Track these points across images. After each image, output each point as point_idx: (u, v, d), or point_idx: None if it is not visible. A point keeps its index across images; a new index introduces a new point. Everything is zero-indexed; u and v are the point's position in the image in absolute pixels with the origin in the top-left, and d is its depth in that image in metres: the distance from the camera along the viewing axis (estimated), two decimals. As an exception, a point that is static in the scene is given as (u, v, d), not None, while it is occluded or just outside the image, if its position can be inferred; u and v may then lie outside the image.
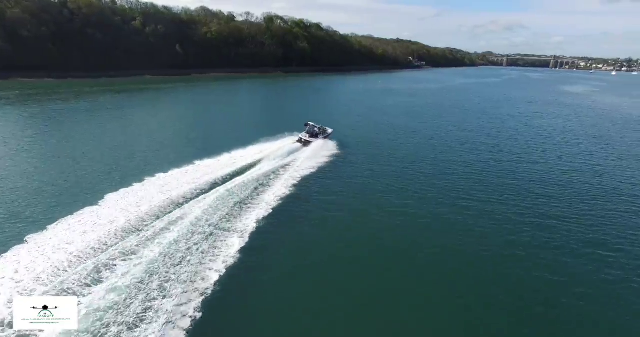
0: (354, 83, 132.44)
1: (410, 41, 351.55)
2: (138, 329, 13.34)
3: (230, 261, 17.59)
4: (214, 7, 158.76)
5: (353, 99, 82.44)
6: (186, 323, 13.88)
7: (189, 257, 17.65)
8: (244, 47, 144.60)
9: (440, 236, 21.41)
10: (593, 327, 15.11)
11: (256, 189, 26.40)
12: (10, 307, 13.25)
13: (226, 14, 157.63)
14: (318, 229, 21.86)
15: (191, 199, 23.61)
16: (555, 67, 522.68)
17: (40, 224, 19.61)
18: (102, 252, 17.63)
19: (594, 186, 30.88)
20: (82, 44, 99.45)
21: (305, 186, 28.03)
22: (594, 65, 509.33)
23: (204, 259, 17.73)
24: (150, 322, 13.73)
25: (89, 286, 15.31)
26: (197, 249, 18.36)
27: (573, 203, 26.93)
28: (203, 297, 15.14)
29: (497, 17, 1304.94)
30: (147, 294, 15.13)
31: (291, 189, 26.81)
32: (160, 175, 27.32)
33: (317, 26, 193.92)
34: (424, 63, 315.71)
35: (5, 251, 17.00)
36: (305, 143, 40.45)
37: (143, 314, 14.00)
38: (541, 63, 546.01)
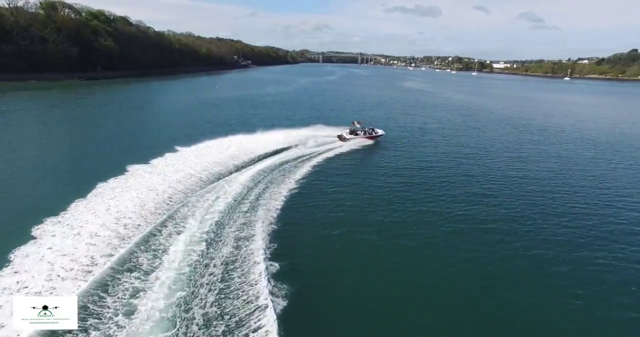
0: (188, 90, 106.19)
1: (232, 40, 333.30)
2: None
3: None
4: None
5: (209, 121, 59.72)
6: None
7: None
8: (11, 42, 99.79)
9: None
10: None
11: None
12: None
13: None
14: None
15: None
16: (362, 62, 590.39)
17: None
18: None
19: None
20: None
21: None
22: (392, 62, 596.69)
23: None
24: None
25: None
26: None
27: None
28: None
29: (306, 18, 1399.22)
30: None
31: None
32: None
33: (125, 20, 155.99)
34: (250, 62, 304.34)
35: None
36: (344, 139, 44.25)
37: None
38: (351, 59, 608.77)
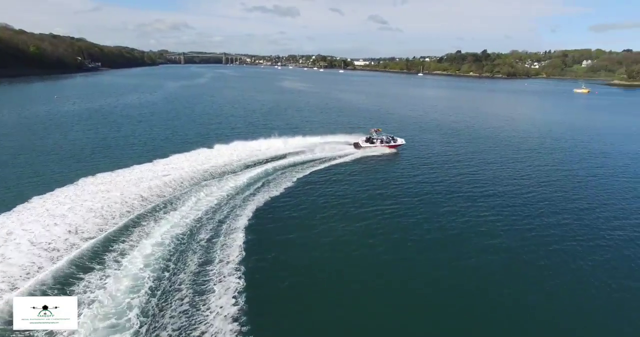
0: (10, 103, 77.03)
1: (73, 38, 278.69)
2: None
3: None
4: None
5: (46, 153, 41.06)
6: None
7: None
8: None
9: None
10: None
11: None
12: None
13: None
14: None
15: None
16: (228, 62, 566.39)
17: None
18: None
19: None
20: None
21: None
22: (258, 61, 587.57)
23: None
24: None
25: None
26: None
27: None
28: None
29: (161, 16, 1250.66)
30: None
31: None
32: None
33: None
34: (100, 64, 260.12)
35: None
36: (360, 147, 42.93)
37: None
38: (215, 59, 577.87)
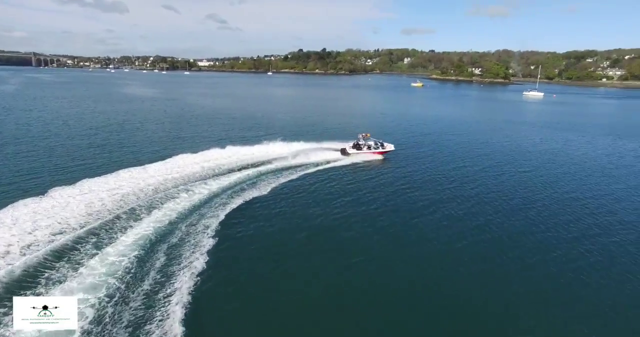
0: None
1: None
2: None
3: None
4: None
5: None
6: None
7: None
8: None
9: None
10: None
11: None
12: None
13: None
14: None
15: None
16: (41, 65, 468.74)
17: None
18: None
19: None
20: None
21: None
22: (84, 63, 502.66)
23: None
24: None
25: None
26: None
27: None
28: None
29: None
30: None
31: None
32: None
33: None
34: None
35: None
36: (346, 154, 40.99)
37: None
38: (20, 60, 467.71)
